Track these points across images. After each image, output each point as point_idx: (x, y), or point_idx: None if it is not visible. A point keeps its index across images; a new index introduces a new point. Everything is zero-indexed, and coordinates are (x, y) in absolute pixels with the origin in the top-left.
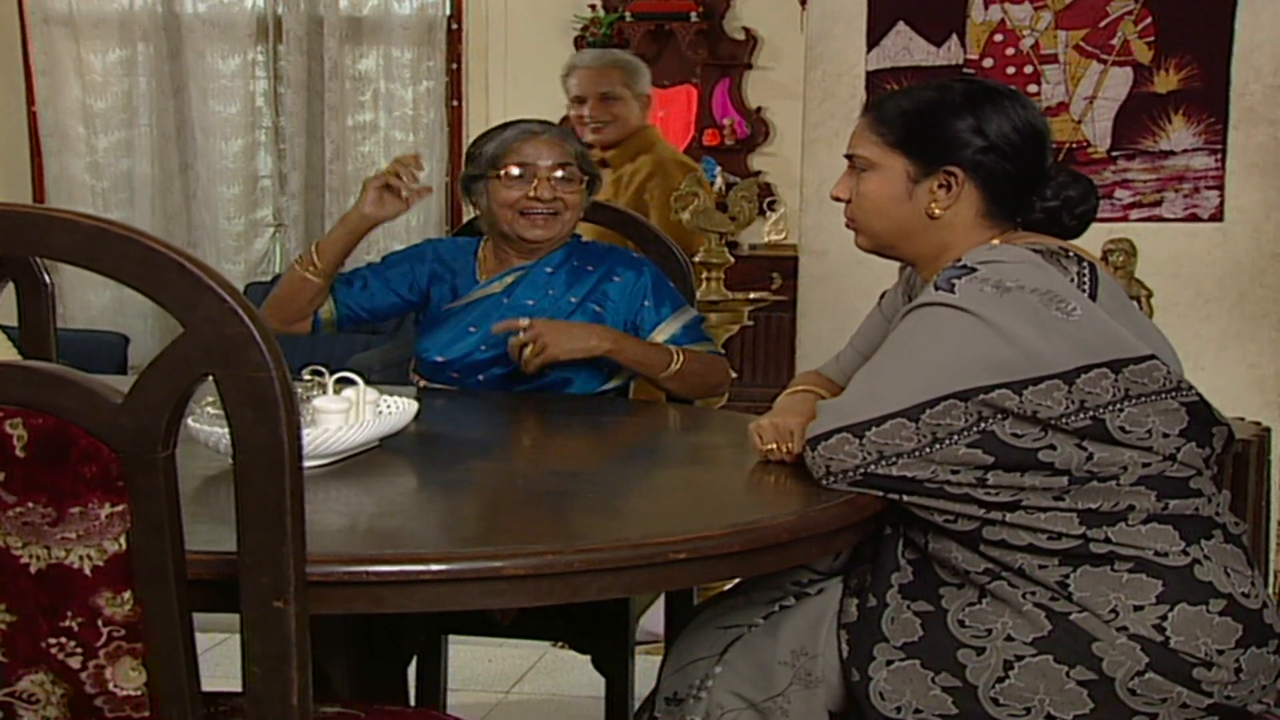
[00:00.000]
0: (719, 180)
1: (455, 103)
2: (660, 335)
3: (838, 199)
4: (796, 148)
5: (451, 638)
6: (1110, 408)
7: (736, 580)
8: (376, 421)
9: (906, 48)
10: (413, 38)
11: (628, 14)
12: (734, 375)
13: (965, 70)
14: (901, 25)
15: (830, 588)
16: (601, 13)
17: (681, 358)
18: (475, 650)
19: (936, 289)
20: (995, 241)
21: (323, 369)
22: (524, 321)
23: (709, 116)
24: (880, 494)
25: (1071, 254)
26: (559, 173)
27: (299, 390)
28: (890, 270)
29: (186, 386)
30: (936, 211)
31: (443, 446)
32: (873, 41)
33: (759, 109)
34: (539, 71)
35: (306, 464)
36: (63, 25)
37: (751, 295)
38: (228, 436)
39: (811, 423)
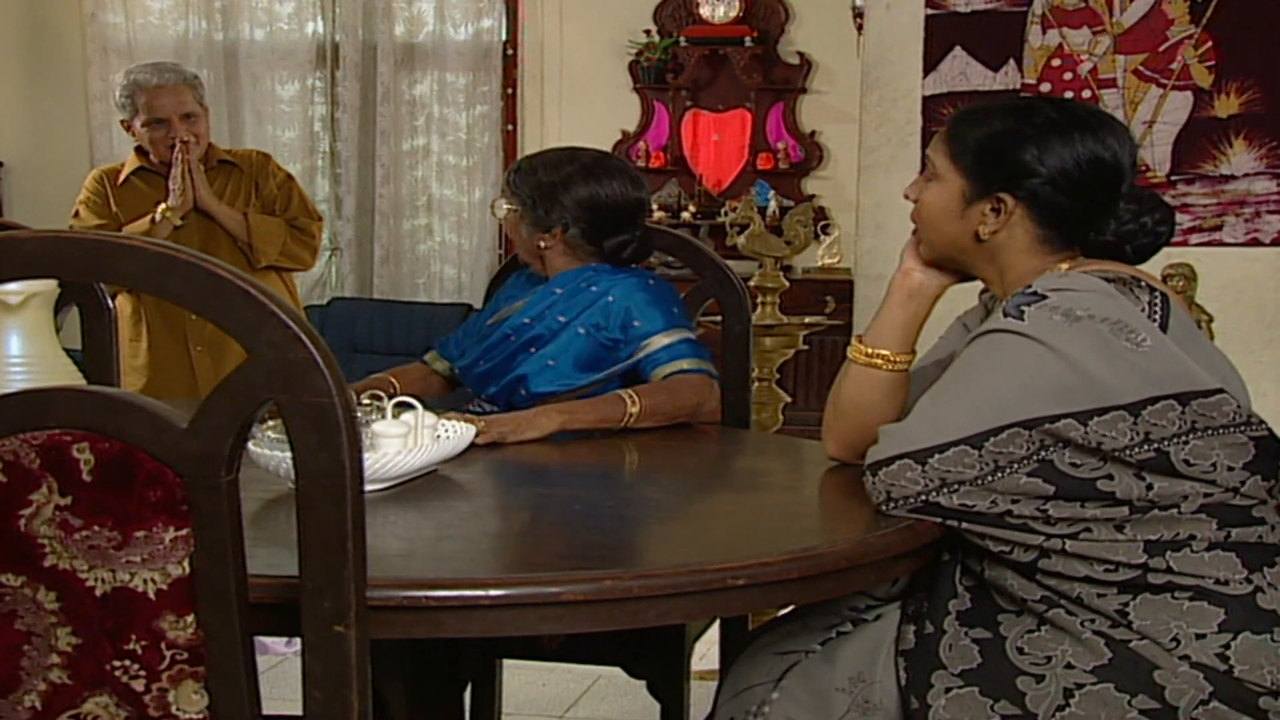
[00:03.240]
0: (772, 204)
1: (509, 127)
2: (641, 354)
3: (907, 197)
4: (851, 171)
5: (505, 661)
6: (1175, 440)
7: (791, 606)
8: (434, 446)
9: (964, 72)
10: (467, 63)
11: (682, 39)
12: (788, 399)
13: (1022, 95)
14: (959, 50)
15: (887, 614)
16: (656, 37)
17: (638, 402)
18: (529, 674)
19: (1006, 315)
20: (1064, 267)
21: (381, 393)
22: (480, 424)
23: (763, 140)
24: (939, 521)
25: (1144, 283)
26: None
27: (358, 414)
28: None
29: (250, 411)
30: (984, 235)
31: (499, 470)
32: (929, 66)
33: (813, 133)
34: (593, 96)
35: (365, 488)
36: (121, 54)
37: (806, 319)
38: (288, 460)
39: (873, 447)
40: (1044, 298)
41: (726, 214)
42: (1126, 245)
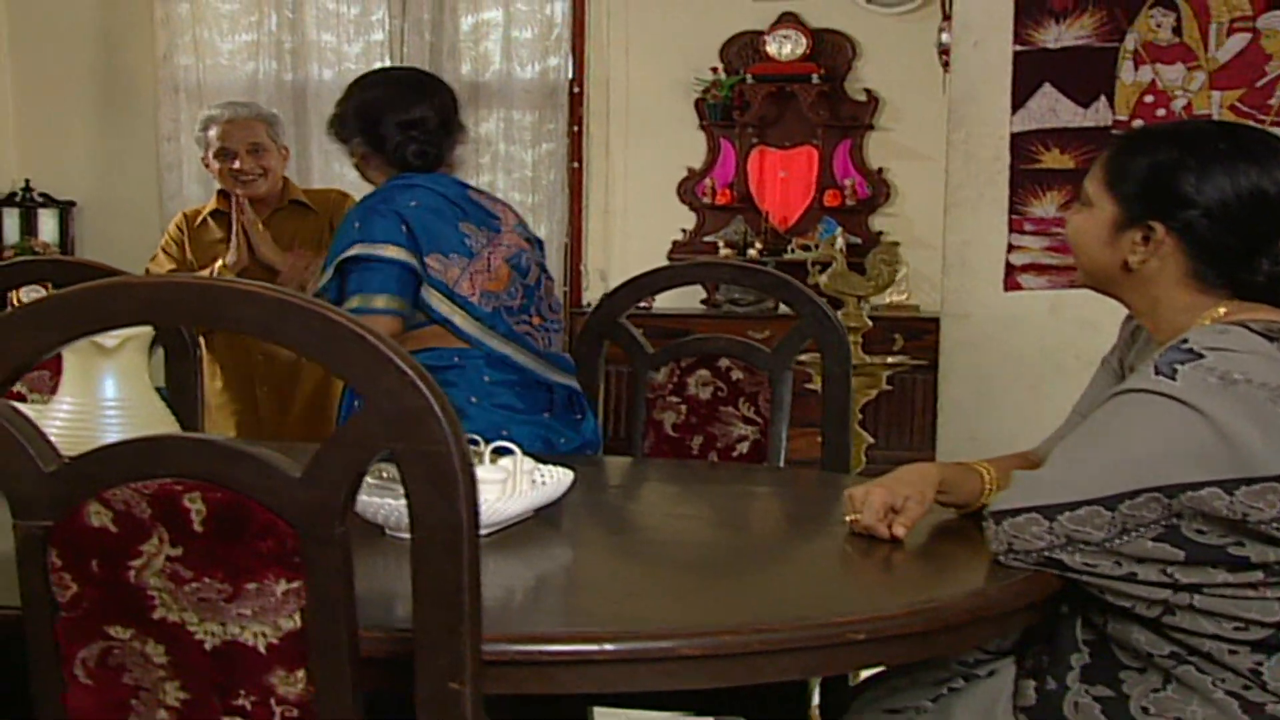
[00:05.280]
0: (840, 241)
1: (575, 164)
2: None
3: (1065, 222)
4: (918, 208)
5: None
6: None
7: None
8: (533, 491)
9: (1053, 109)
10: (534, 101)
11: (749, 76)
12: (870, 440)
13: (1114, 132)
14: (1048, 86)
15: (1001, 669)
16: (723, 75)
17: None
18: None
19: (1157, 373)
20: (1222, 311)
21: (478, 438)
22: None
23: (830, 177)
24: (1059, 574)
25: None
26: None
27: None
28: (1038, 336)
29: (365, 461)
30: (1134, 264)
31: (597, 517)
32: (1018, 103)
33: (880, 169)
34: (659, 133)
35: None
36: (191, 95)
37: (889, 359)
38: (386, 508)
39: (1001, 494)
40: (1200, 356)
41: (793, 250)
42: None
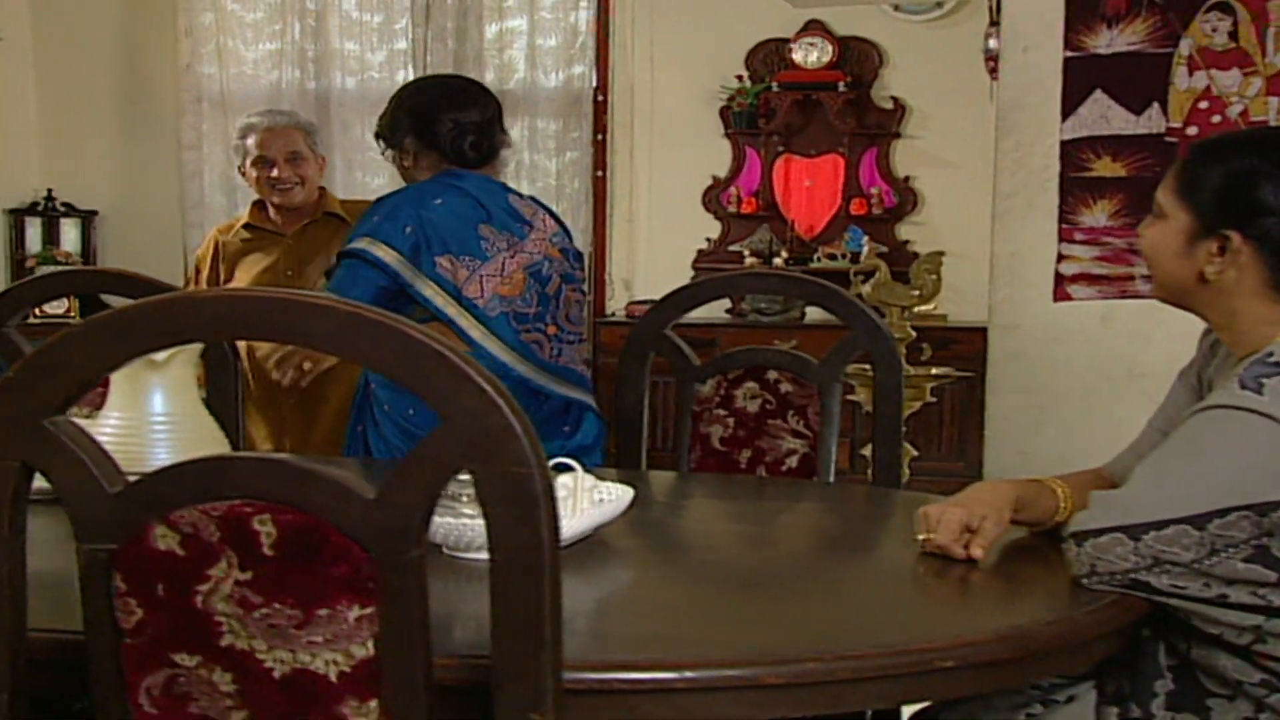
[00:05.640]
0: (865, 250)
1: (599, 173)
2: None
3: (1140, 236)
4: (945, 217)
5: None
6: None
7: None
8: (595, 510)
9: (1104, 116)
10: (558, 109)
11: (774, 84)
12: (914, 453)
13: (1167, 140)
14: (1099, 93)
15: (1081, 694)
16: (748, 83)
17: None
18: None
19: (1243, 388)
20: None
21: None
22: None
23: (856, 185)
24: (1145, 597)
25: None
26: None
27: None
28: (1088, 347)
29: (442, 482)
30: (1210, 275)
31: (652, 534)
32: (1068, 110)
33: (907, 178)
34: (684, 141)
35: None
36: (214, 104)
37: (934, 370)
38: (445, 527)
39: (1081, 513)
40: None
41: (819, 259)
42: None
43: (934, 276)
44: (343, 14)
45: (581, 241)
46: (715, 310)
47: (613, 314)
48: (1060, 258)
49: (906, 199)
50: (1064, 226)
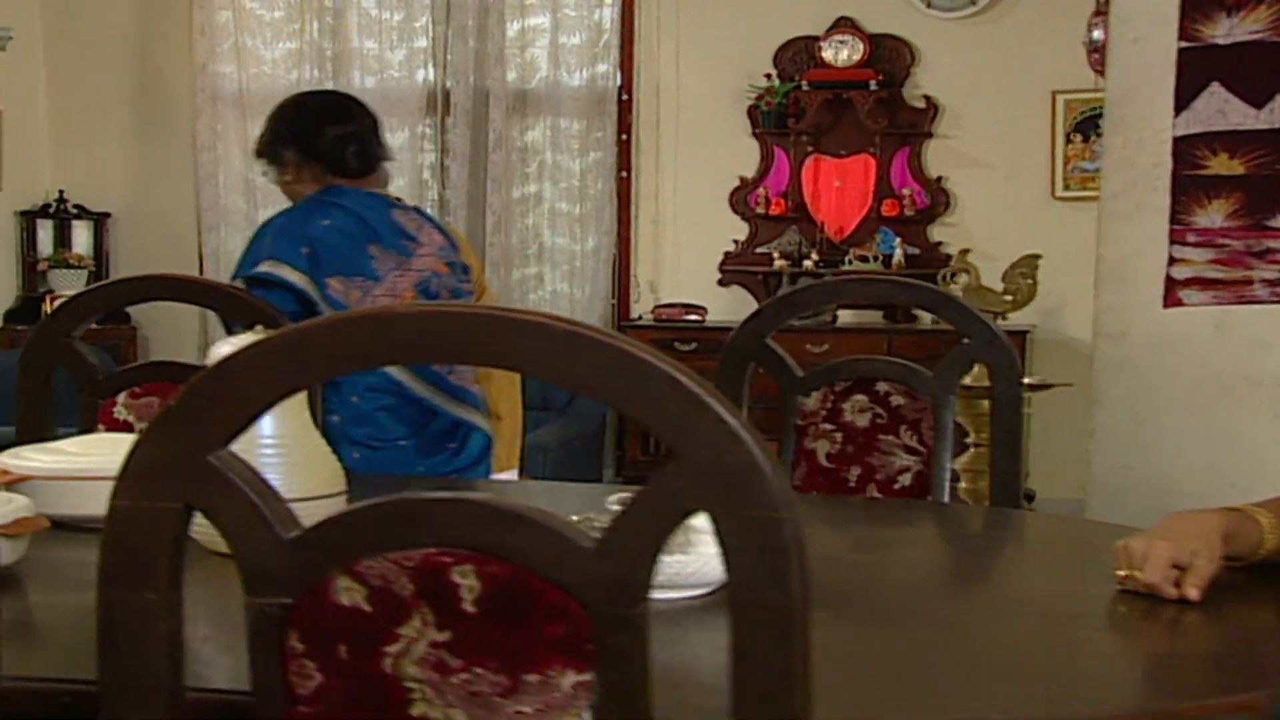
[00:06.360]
0: (898, 252)
1: (624, 173)
2: None
3: None
4: (979, 218)
5: None
6: None
7: None
8: None
9: (1221, 110)
10: (582, 109)
11: (804, 83)
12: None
13: None
14: (1216, 86)
15: None
16: (777, 82)
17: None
18: None
19: None
20: None
21: None
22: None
23: (887, 186)
24: None
25: None
26: None
27: None
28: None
29: (672, 527)
30: None
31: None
32: (1182, 104)
33: (939, 178)
34: (711, 141)
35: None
36: (231, 104)
37: (1027, 380)
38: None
39: None
40: None
41: (850, 262)
42: None
43: (1029, 281)
44: (362, 12)
45: (605, 244)
46: (742, 312)
47: (639, 317)
48: (1172, 261)
49: (939, 200)
50: (1176, 228)
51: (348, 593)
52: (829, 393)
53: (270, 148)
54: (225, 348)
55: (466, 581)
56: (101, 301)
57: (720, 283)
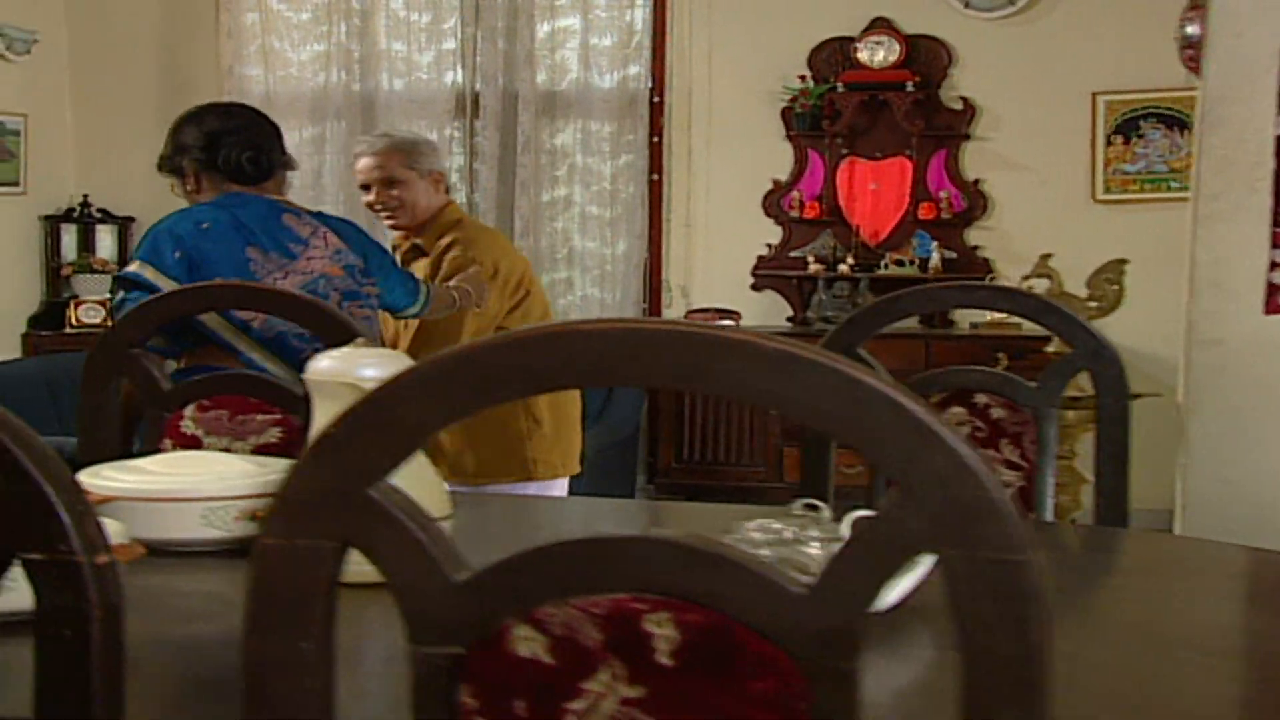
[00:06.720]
0: (934, 255)
1: (655, 176)
2: None
3: None
4: (1016, 221)
5: None
6: None
7: None
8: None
9: None
10: (612, 111)
11: (839, 85)
12: (1089, 480)
13: None
14: None
15: None
16: (811, 84)
17: None
18: None
19: None
20: None
21: (818, 503)
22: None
23: (924, 189)
24: None
25: None
26: None
27: (791, 529)
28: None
29: (895, 569)
30: None
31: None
32: None
33: (976, 181)
34: (744, 144)
35: None
36: (258, 106)
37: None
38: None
39: None
40: None
41: (887, 266)
42: None
43: (1115, 286)
44: (390, 13)
45: (637, 248)
46: (776, 318)
47: None
48: (1273, 265)
49: (976, 203)
50: (1277, 231)
51: (526, 643)
52: None
53: (169, 160)
54: (325, 362)
55: (662, 631)
56: (167, 311)
57: (754, 287)
